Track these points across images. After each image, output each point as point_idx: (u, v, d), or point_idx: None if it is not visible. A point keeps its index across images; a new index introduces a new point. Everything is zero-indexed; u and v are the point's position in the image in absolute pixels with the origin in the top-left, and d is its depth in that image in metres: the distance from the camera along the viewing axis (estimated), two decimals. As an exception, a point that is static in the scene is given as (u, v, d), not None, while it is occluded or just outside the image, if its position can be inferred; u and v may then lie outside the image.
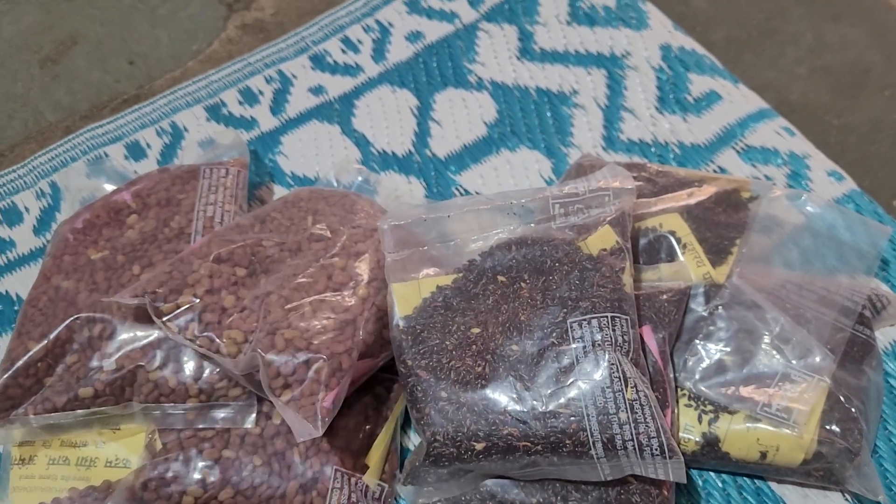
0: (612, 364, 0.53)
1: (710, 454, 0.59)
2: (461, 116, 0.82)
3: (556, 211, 0.61)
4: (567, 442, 0.52)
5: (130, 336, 0.59)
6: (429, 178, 0.78)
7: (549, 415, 0.52)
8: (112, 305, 0.60)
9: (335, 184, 0.75)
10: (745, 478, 0.62)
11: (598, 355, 0.54)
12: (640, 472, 0.53)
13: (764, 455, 0.58)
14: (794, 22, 0.87)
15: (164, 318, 0.57)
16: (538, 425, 0.52)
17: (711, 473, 0.62)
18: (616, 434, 0.52)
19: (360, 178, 0.75)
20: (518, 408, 0.53)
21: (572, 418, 0.52)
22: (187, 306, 0.57)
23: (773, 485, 0.61)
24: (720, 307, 0.61)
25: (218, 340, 0.56)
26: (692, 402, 0.60)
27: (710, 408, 0.59)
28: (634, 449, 0.52)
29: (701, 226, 0.64)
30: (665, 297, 0.61)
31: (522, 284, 0.59)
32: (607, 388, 0.53)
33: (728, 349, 0.60)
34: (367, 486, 0.59)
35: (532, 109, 0.81)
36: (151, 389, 0.58)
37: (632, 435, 0.52)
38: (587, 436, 0.52)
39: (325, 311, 0.58)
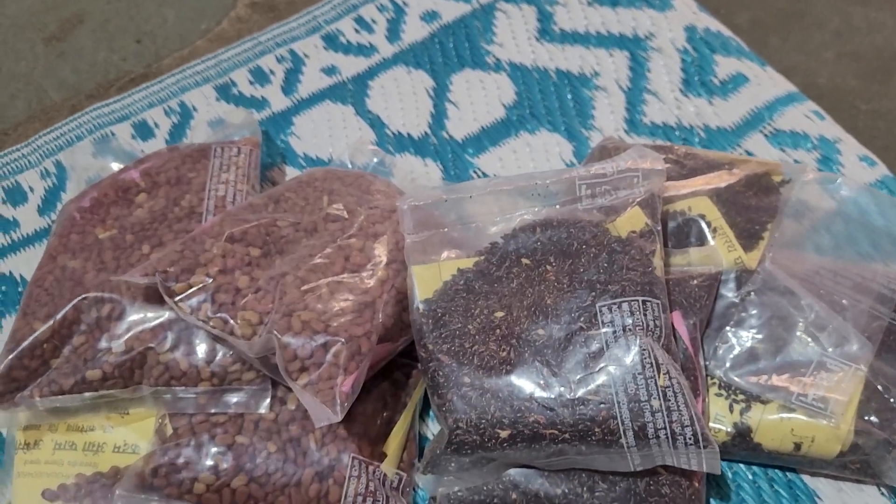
0: (644, 349, 0.51)
1: (741, 445, 0.57)
2: (479, 98, 0.79)
3: (582, 192, 0.59)
4: (596, 430, 0.50)
5: (140, 317, 0.57)
6: (446, 161, 0.76)
7: (577, 402, 0.50)
8: (121, 285, 0.58)
9: (349, 165, 0.72)
10: (776, 470, 0.59)
11: (629, 340, 0.52)
12: (671, 463, 0.51)
13: (798, 446, 0.56)
14: (820, 5, 0.85)
15: (176, 299, 0.55)
16: (566, 413, 0.50)
17: (741, 465, 0.60)
18: (648, 422, 0.50)
19: (375, 160, 0.72)
20: (545, 394, 0.51)
21: (602, 405, 0.50)
22: (200, 286, 0.55)
23: (806, 477, 0.59)
24: (752, 293, 0.59)
25: (232, 322, 0.54)
26: (723, 392, 0.58)
27: (741, 397, 0.56)
28: (667, 438, 0.50)
29: (731, 210, 0.62)
30: (695, 282, 0.59)
31: (548, 267, 0.56)
32: (639, 374, 0.51)
33: (760, 336, 0.57)
34: (384, 475, 0.57)
35: (552, 91, 0.79)
36: (162, 372, 0.56)
37: (664, 423, 0.50)
38: (617, 424, 0.50)
39: (342, 292, 0.56)
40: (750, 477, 0.59)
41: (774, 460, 0.58)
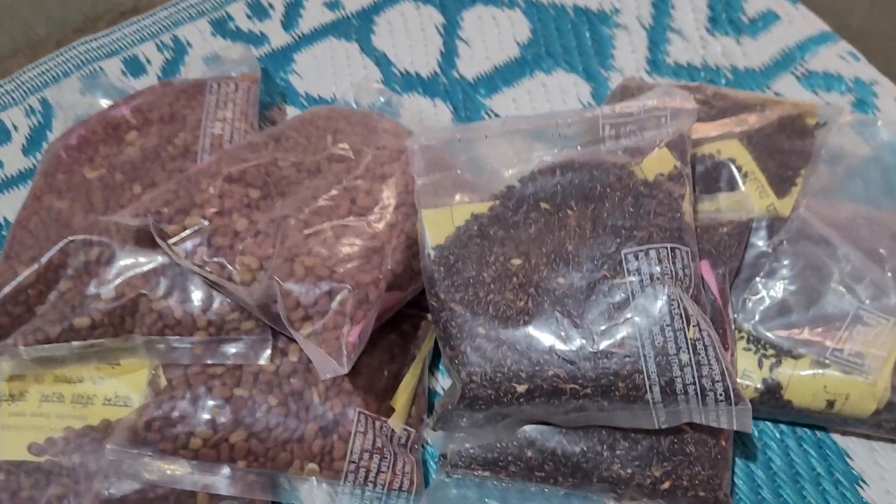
0: (673, 299, 0.48)
1: (770, 402, 0.54)
2: (491, 36, 0.75)
3: (606, 133, 0.55)
4: (620, 385, 0.47)
5: (131, 261, 0.53)
6: (456, 102, 0.71)
7: (600, 355, 0.47)
8: (111, 227, 0.54)
9: (354, 105, 0.68)
10: (805, 428, 0.56)
11: (657, 289, 0.48)
12: (699, 420, 0.48)
13: (831, 404, 0.53)
14: (854, -58, 0.80)
15: (170, 241, 0.51)
16: (588, 366, 0.47)
17: (769, 423, 0.57)
18: (676, 377, 0.47)
19: (381, 100, 0.68)
20: (565, 347, 0.48)
21: (627, 359, 0.47)
22: (195, 228, 0.51)
23: (837, 436, 0.56)
24: (785, 242, 0.55)
25: (230, 267, 0.50)
26: (751, 346, 0.54)
27: (771, 352, 0.53)
28: (696, 394, 0.47)
29: (763, 153, 0.58)
30: (725, 229, 0.55)
31: (569, 212, 0.53)
32: (667, 325, 0.47)
33: (793, 288, 0.54)
34: (392, 431, 0.54)
35: (569, 29, 0.74)
36: (155, 320, 0.53)
37: (693, 378, 0.47)
38: (643, 378, 0.47)
39: (348, 237, 0.52)
40: (777, 435, 0.56)
41: (804, 418, 0.55)
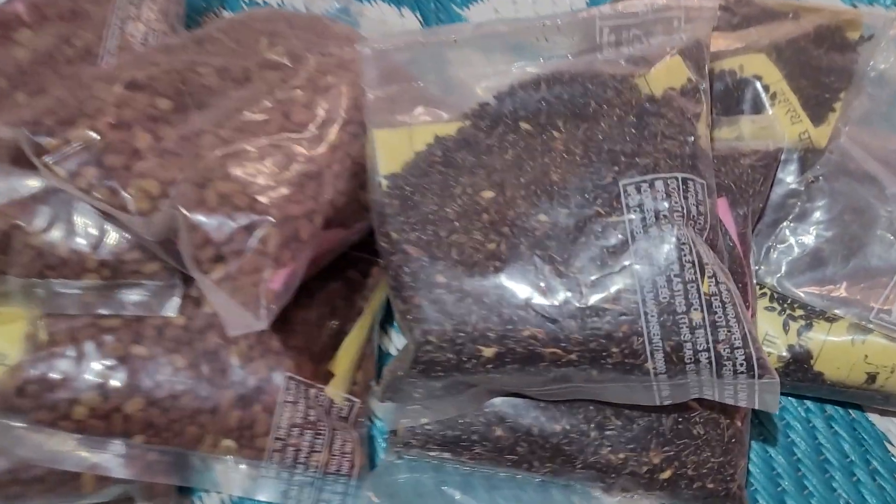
0: (683, 243, 0.38)
1: (796, 375, 0.45)
2: (471, -66, 0.64)
3: (604, 38, 0.45)
4: (613, 350, 0.39)
5: (4, 186, 0.44)
6: (427, 12, 0.62)
7: (589, 311, 0.39)
8: (-21, 141, 0.43)
9: (305, 11, 0.57)
10: (836, 406, 0.47)
11: (663, 231, 0.39)
12: (711, 396, 0.40)
13: (872, 378, 0.44)
14: None
15: (47, 159, 0.41)
16: (573, 326, 0.39)
17: (791, 399, 0.48)
18: (685, 342, 0.38)
19: (336, 6, 0.58)
20: (546, 301, 0.39)
21: (623, 317, 0.38)
22: (81, 144, 0.41)
23: (875, 417, 0.48)
24: (820, 178, 0.47)
25: (124, 192, 0.41)
26: (776, 305, 0.46)
27: (800, 313, 0.46)
28: (709, 363, 0.37)
29: (795, 71, 0.49)
30: (747, 161, 0.46)
31: (555, 134, 0.43)
32: (675, 276, 0.38)
33: (829, 234, 0.46)
34: (330, 401, 0.45)
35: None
36: (33, 258, 0.43)
37: (707, 344, 0.38)
38: (643, 343, 0.38)
39: (278, 158, 0.42)
40: (802, 414, 0.47)
41: (837, 394, 0.46)
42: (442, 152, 0.44)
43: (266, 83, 0.46)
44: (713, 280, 0.38)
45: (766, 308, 0.45)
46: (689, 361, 0.38)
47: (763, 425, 0.47)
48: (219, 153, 0.42)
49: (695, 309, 0.38)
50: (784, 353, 0.45)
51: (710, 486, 0.42)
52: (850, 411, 0.47)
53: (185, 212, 0.39)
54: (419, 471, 0.45)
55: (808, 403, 0.47)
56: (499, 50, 0.46)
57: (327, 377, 0.45)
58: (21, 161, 0.43)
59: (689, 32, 0.44)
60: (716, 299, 0.38)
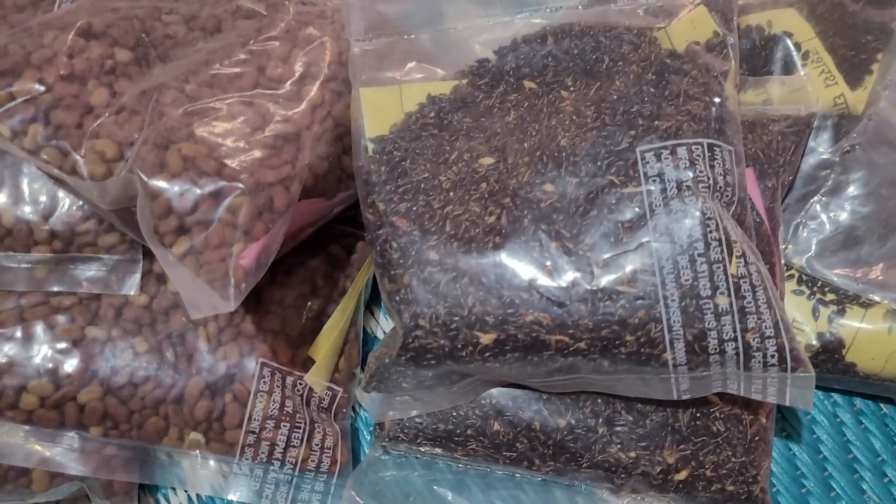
0: (709, 218, 0.34)
1: (826, 365, 0.41)
2: None
3: None
4: (628, 339, 0.35)
5: None
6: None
7: (601, 294, 0.35)
8: (-89, 96, 0.38)
9: (286, -41, 0.52)
10: (866, 399, 0.43)
11: (686, 203, 0.34)
12: (736, 391, 0.36)
13: (910, 370, 0.39)
14: None
15: (-13, 115, 0.36)
16: (583, 310, 0.35)
17: (818, 392, 0.43)
18: (709, 330, 0.34)
19: None
20: (552, 282, 0.35)
21: (639, 302, 0.34)
22: (26, 98, 0.37)
23: None
24: (857, 147, 0.43)
25: (74, 154, 0.37)
26: (804, 289, 0.41)
27: (831, 297, 0.42)
28: (736, 354, 0.34)
29: (829, 28, 0.45)
30: (776, 127, 0.42)
31: (564, 94, 0.39)
32: (699, 255, 0.34)
33: (865, 210, 0.42)
34: (310, 390, 0.41)
35: None
36: None
37: (734, 332, 0.34)
38: (661, 331, 0.34)
39: (251, 117, 0.38)
40: (829, 408, 0.43)
41: (869, 387, 0.42)
42: (436, 113, 0.40)
43: (239, 33, 0.42)
44: (742, 260, 0.34)
45: (794, 291, 0.41)
46: (713, 352, 0.34)
47: (786, 420, 0.43)
48: (183, 111, 0.38)
49: (721, 293, 0.33)
50: (813, 342, 0.40)
51: (731, 488, 0.38)
52: (882, 405, 0.44)
53: (143, 177, 0.35)
54: (407, 468, 0.41)
55: (836, 397, 0.44)
56: (499, 0, 0.42)
57: (307, 364, 0.41)
58: (-40, 118, 0.39)
59: (716, -19, 0.40)
60: (745, 282, 0.34)
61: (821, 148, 0.43)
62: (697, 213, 0.34)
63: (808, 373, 0.34)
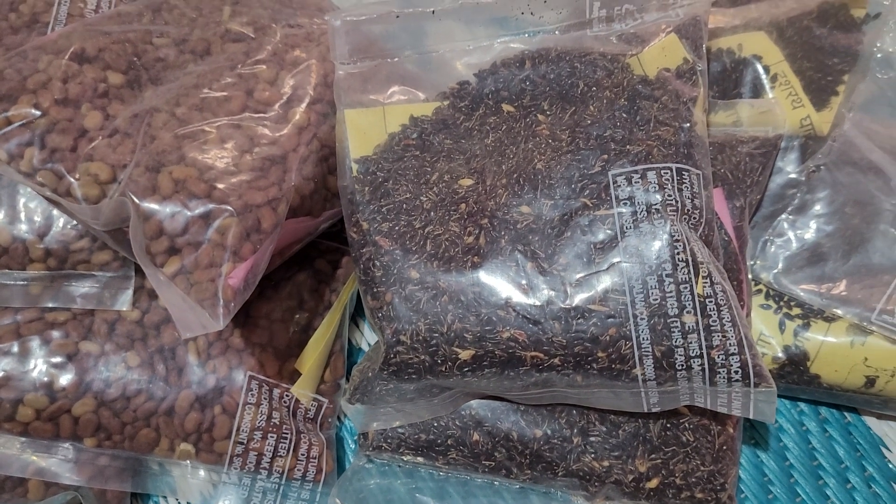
0: (676, 240, 0.35)
1: (791, 376, 0.42)
2: None
3: (594, 13, 0.42)
4: (600, 355, 0.36)
5: None
6: (406, -20, 0.56)
7: (574, 313, 0.36)
8: (-90, 119, 0.39)
9: (274, -23, 0.53)
10: (830, 409, 0.45)
11: (655, 225, 0.36)
12: (703, 404, 0.37)
13: (871, 381, 0.41)
14: None
15: (-15, 139, 0.37)
16: (557, 328, 0.36)
17: (784, 401, 0.45)
18: (677, 347, 0.35)
19: None
20: (527, 300, 0.36)
21: (610, 320, 0.35)
22: (22, 122, 0.38)
23: (871, 420, 0.45)
24: (822, 168, 0.44)
25: (69, 177, 0.38)
26: (771, 303, 0.42)
27: (797, 311, 0.43)
28: (702, 370, 0.35)
29: (797, 51, 0.46)
30: (745, 148, 0.43)
31: (540, 118, 0.40)
32: (667, 276, 0.35)
33: (829, 228, 0.43)
34: (296, 401, 0.41)
35: None
36: None
37: (700, 350, 0.35)
38: (631, 347, 0.36)
39: (239, 140, 0.39)
40: (795, 416, 0.45)
41: (834, 397, 0.43)
42: (418, 134, 0.41)
43: (228, 57, 0.43)
44: (708, 280, 0.35)
45: (762, 306, 0.43)
46: (680, 368, 0.35)
47: (754, 428, 0.44)
48: (174, 134, 0.39)
49: (688, 312, 0.35)
50: (779, 354, 0.42)
51: (700, 495, 0.39)
52: (846, 414, 0.45)
53: (136, 199, 0.36)
54: (390, 476, 0.42)
55: (802, 406, 0.45)
56: (482, 23, 0.43)
57: (293, 376, 0.42)
58: (-43, 140, 0.40)
59: (687, 9, 0.41)
60: (710, 301, 0.35)
61: (788, 168, 0.44)
62: (665, 236, 0.36)
63: (770, 388, 0.35)
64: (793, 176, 0.44)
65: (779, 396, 0.45)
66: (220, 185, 0.37)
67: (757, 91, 0.45)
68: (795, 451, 0.44)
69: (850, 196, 0.42)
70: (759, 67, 0.45)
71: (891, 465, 0.44)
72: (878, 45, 0.45)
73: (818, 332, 0.42)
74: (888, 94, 0.45)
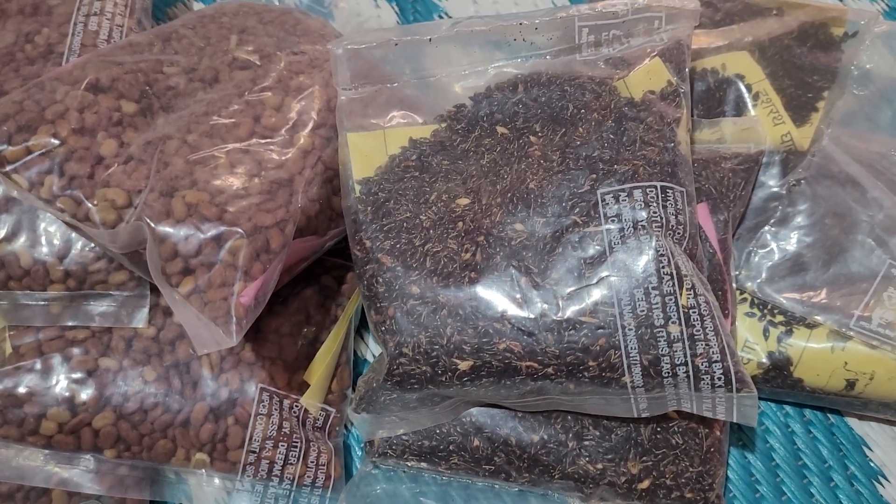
0: (661, 255, 0.37)
1: (776, 381, 0.44)
2: (449, -79, 0.62)
3: (583, 38, 0.44)
4: (591, 364, 0.38)
5: None
6: (403, 2, 0.59)
7: (566, 325, 0.38)
8: (-64, 148, 0.41)
9: (276, 2, 0.55)
10: (815, 411, 0.47)
11: (641, 241, 0.38)
12: (689, 409, 0.39)
13: (851, 384, 0.43)
14: None
15: (8, 168, 0.39)
16: (550, 339, 0.38)
17: (770, 404, 0.47)
18: (663, 355, 0.37)
19: None
20: (522, 313, 0.38)
21: (600, 331, 0.37)
22: (42, 151, 0.40)
23: (853, 422, 0.47)
24: (802, 181, 0.45)
25: (87, 203, 0.39)
26: (756, 311, 0.44)
27: (780, 319, 0.45)
28: (687, 377, 0.37)
29: (778, 69, 0.47)
30: (729, 164, 0.45)
31: (532, 139, 0.42)
32: (653, 289, 0.37)
33: (810, 239, 0.45)
34: (305, 412, 0.43)
35: (543, -84, 0.61)
36: None
37: (685, 358, 0.37)
38: (620, 356, 0.37)
39: (248, 165, 0.41)
40: (781, 419, 0.46)
41: (817, 400, 0.45)
42: (417, 156, 0.43)
43: (235, 84, 0.45)
44: (691, 292, 0.37)
45: (747, 314, 0.45)
46: (666, 375, 0.37)
47: (742, 430, 0.46)
48: (186, 160, 0.40)
49: (673, 322, 0.37)
50: (764, 360, 0.44)
51: (689, 495, 0.41)
52: (829, 416, 0.47)
53: (151, 223, 0.38)
54: (396, 481, 0.44)
55: (787, 408, 0.47)
56: (478, 45, 0.45)
57: (302, 387, 0.44)
58: (-20, 168, 0.42)
59: (671, 33, 0.43)
60: (694, 312, 0.37)
61: (770, 182, 0.46)
62: (651, 251, 0.38)
63: (751, 392, 0.37)
64: (775, 189, 0.46)
65: (764, 399, 0.47)
66: (231, 209, 0.39)
67: (740, 109, 0.47)
68: (781, 452, 0.46)
69: (830, 208, 0.44)
70: (742, 86, 0.47)
71: (872, 464, 0.46)
72: (856, 62, 0.47)
73: (800, 338, 0.44)
74: (865, 109, 0.47)
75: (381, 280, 0.40)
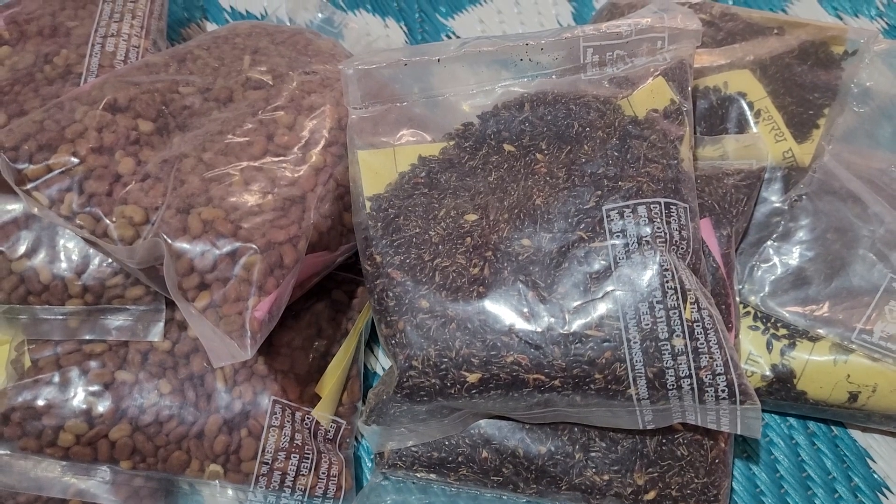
0: (665, 269, 0.38)
1: (779, 393, 0.45)
2: (456, -57, 0.63)
3: (588, 58, 0.45)
4: (597, 377, 0.38)
5: None
6: (412, 22, 0.60)
7: (572, 338, 0.38)
8: (-42, 167, 0.43)
9: (288, 23, 0.56)
10: (818, 423, 0.47)
11: (646, 256, 0.38)
12: (694, 421, 0.39)
13: (854, 397, 0.43)
14: None
15: (28, 186, 0.41)
16: (557, 352, 0.38)
17: (775, 416, 0.48)
18: (667, 368, 0.37)
19: (320, 16, 0.57)
20: (529, 327, 0.39)
21: (606, 344, 0.38)
22: (62, 169, 0.41)
23: (857, 433, 0.47)
24: (804, 197, 0.46)
25: (106, 220, 0.40)
26: (759, 325, 0.45)
27: (783, 332, 0.45)
28: (692, 390, 0.37)
29: (779, 87, 0.48)
30: (731, 180, 0.46)
31: (539, 156, 0.43)
32: (657, 302, 0.38)
33: (812, 254, 0.46)
34: (317, 423, 0.44)
35: (549, -63, 0.63)
36: (16, 284, 0.43)
37: (689, 370, 0.37)
38: (626, 369, 0.38)
39: (261, 183, 0.42)
40: (785, 431, 0.47)
41: (819, 412, 0.46)
42: (426, 173, 0.44)
43: (249, 104, 0.46)
44: (695, 306, 0.38)
45: (750, 327, 0.45)
46: (671, 388, 0.38)
47: (746, 442, 0.47)
48: (201, 178, 0.42)
49: (677, 335, 0.38)
50: (767, 373, 0.45)
51: (694, 506, 0.42)
52: (833, 428, 0.47)
53: (168, 239, 0.39)
54: (406, 492, 0.45)
55: (791, 420, 0.48)
56: (484, 67, 0.46)
57: (314, 399, 0.45)
58: (1, 186, 0.43)
59: (674, 53, 0.44)
60: (698, 325, 0.38)
61: (772, 198, 0.47)
62: (655, 265, 0.39)
63: (755, 405, 0.38)
64: (777, 205, 0.47)
65: (768, 412, 0.48)
66: (246, 225, 0.40)
67: (742, 126, 0.48)
68: (785, 464, 0.47)
69: (831, 223, 0.45)
70: (744, 104, 0.48)
71: (876, 476, 0.46)
72: (856, 80, 0.48)
73: (803, 351, 0.44)
74: (865, 125, 0.47)
75: (391, 294, 0.41)
